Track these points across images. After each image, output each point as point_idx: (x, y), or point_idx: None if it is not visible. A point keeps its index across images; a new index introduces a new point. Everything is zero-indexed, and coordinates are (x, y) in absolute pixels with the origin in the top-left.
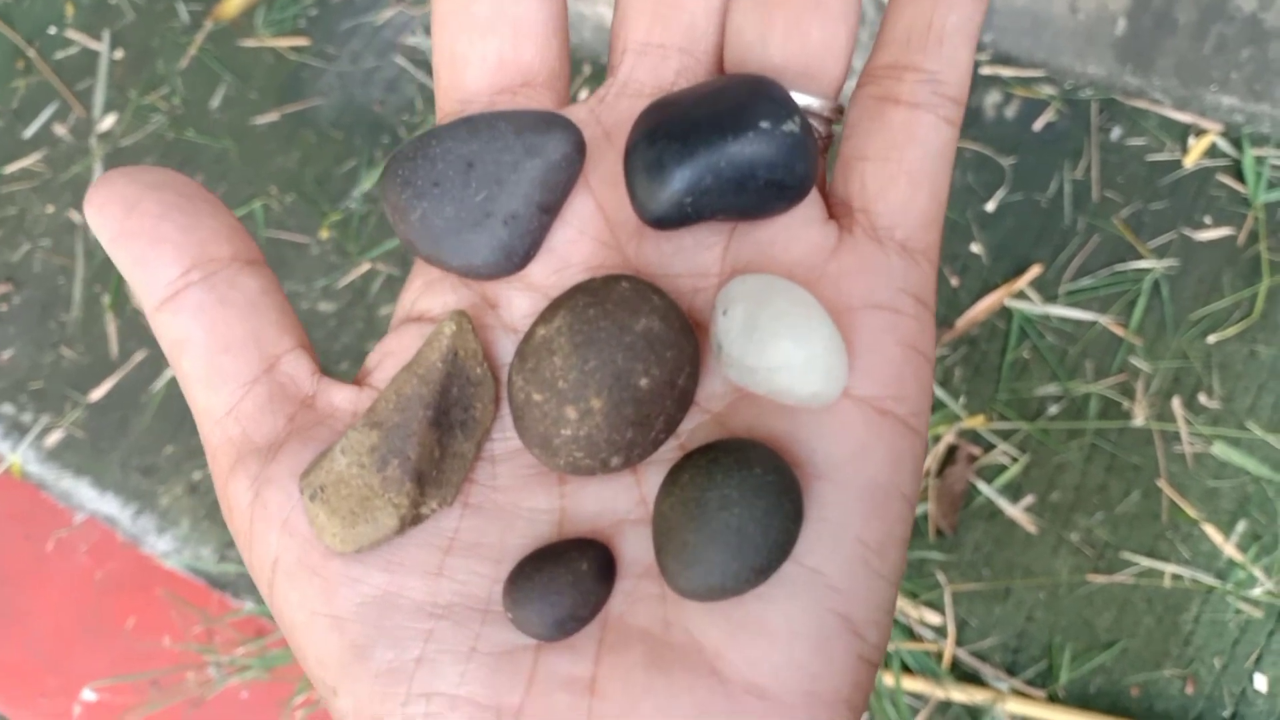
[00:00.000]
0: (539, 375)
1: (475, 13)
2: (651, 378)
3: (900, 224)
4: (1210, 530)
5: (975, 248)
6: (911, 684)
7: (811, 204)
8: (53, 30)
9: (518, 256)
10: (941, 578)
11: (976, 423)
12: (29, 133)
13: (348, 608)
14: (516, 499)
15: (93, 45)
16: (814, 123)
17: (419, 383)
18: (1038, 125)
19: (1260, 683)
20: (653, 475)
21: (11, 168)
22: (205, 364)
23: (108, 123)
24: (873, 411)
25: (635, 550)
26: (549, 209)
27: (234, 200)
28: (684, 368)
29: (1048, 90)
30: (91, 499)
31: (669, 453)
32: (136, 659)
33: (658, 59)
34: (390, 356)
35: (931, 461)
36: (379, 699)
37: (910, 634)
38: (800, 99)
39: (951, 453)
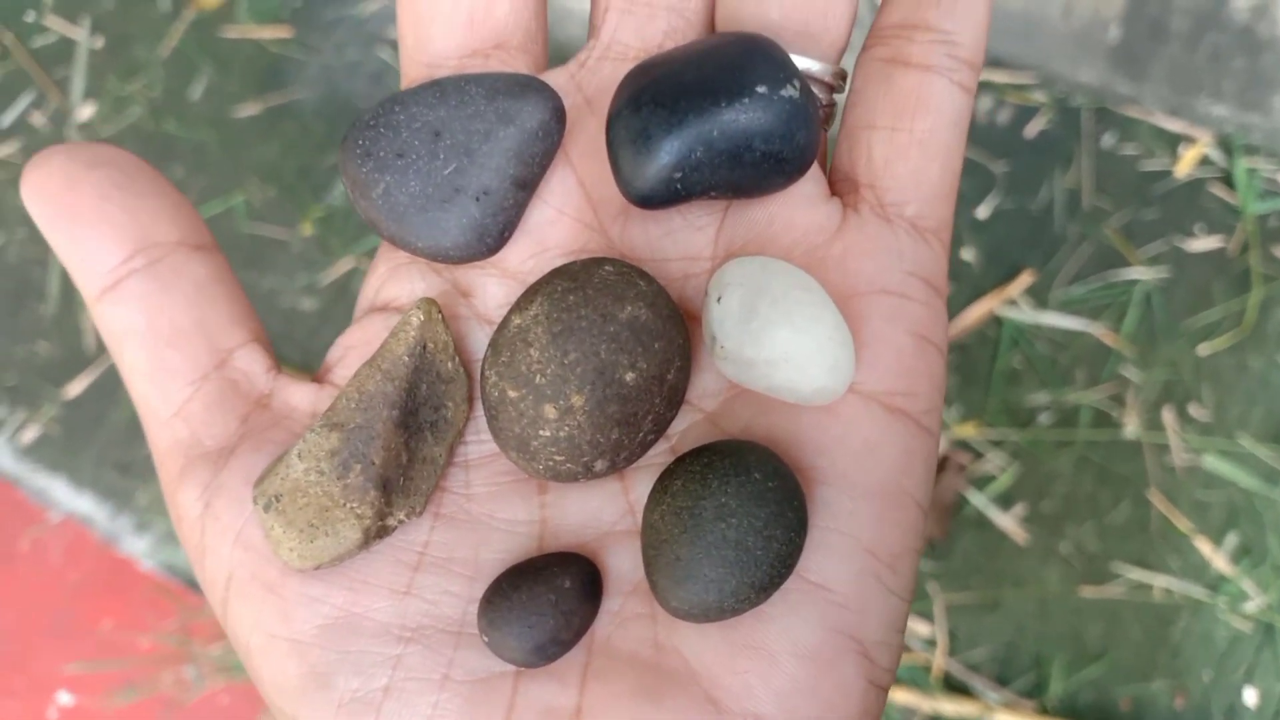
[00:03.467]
0: (514, 369)
1: None
2: (638, 371)
3: (911, 199)
4: (1201, 543)
5: (966, 254)
6: (900, 696)
7: (812, 180)
8: (30, 17)
9: (491, 238)
10: (931, 588)
11: (967, 431)
12: (5, 122)
13: (307, 630)
14: (493, 509)
15: (71, 33)
16: (814, 89)
17: (383, 379)
18: (1029, 132)
19: (1249, 697)
20: (641, 482)
21: None
22: (149, 358)
23: (86, 112)
24: (881, 409)
25: (623, 565)
26: (525, 184)
27: (214, 193)
28: (674, 361)
29: (1039, 96)
30: (67, 497)
31: (659, 456)
32: (110, 658)
33: (644, 18)
34: (353, 351)
35: None
36: None
37: None
38: (799, 62)
39: (942, 462)
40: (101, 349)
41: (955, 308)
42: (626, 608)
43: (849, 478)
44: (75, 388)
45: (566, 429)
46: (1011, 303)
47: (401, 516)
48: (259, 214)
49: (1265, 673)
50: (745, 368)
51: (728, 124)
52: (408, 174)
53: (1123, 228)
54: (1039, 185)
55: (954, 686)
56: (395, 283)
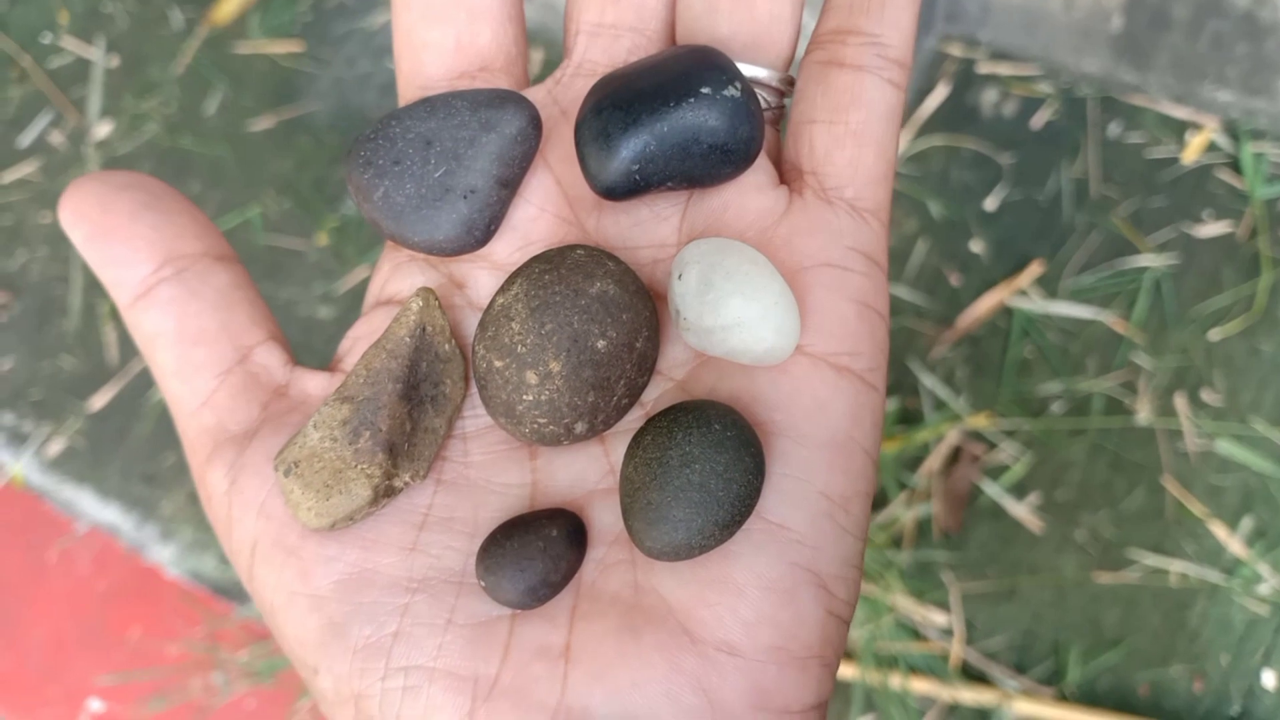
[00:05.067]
0: (498, 342)
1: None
2: (609, 339)
3: (849, 183)
4: (1216, 527)
5: (975, 246)
6: (919, 685)
7: (761, 170)
8: (47, 38)
9: (479, 231)
10: (948, 578)
11: (980, 422)
12: (24, 142)
13: (324, 586)
14: (488, 475)
15: (87, 53)
16: (763, 93)
17: (388, 357)
18: (1036, 123)
19: (1268, 679)
20: (620, 445)
21: (7, 177)
22: (178, 357)
23: (103, 130)
24: (829, 368)
25: (606, 519)
26: (507, 183)
27: (230, 206)
28: (641, 331)
29: (1045, 88)
30: (94, 508)
31: (635, 422)
32: (140, 667)
33: (610, 39)
34: (361, 341)
35: (936, 461)
36: (358, 675)
37: (916, 635)
38: (748, 70)
39: (956, 453)
40: (124, 362)
41: (965, 300)
42: (609, 556)
43: (802, 429)
44: (99, 400)
45: (547, 393)
46: (1022, 293)
47: (407, 479)
48: (275, 226)
49: None
50: (705, 335)
51: (676, 121)
52: (403, 178)
53: (1131, 216)
54: (1046, 176)
55: (972, 675)
56: (397, 279)
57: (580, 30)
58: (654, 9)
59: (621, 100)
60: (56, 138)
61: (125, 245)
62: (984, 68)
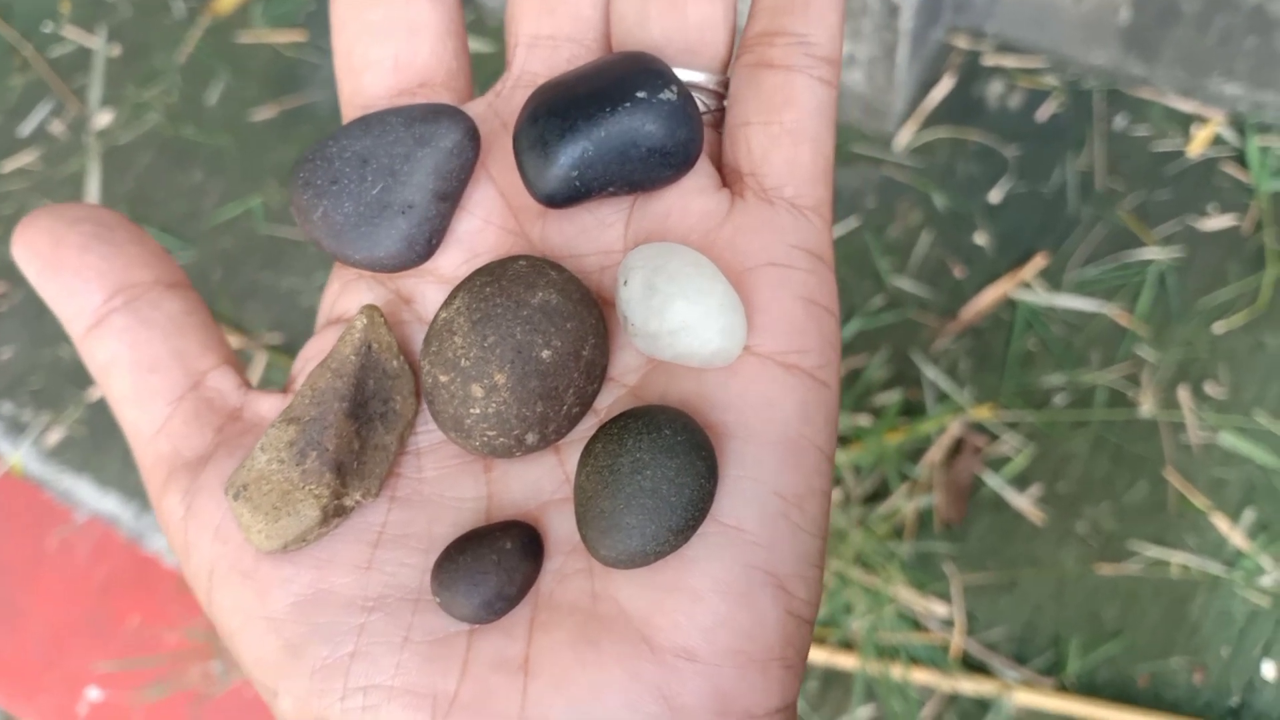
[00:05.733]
0: (443, 356)
1: (370, 18)
2: (554, 349)
3: (788, 182)
4: (1217, 520)
5: (979, 238)
6: (920, 676)
7: (702, 174)
8: (48, 27)
9: (420, 245)
10: (949, 569)
11: (982, 414)
12: (25, 130)
13: (281, 608)
14: (442, 490)
15: (88, 42)
16: (702, 97)
17: (332, 376)
18: (1041, 115)
19: (1268, 671)
20: (575, 454)
21: (8, 166)
22: (132, 384)
23: (104, 119)
24: (777, 366)
25: (562, 529)
26: (446, 196)
27: (232, 196)
28: (587, 339)
29: (1051, 80)
30: (93, 497)
31: (589, 430)
32: (139, 655)
33: (548, 50)
34: (312, 361)
35: (938, 453)
36: (317, 695)
37: (917, 626)
38: (685, 74)
39: (958, 445)
40: None
41: (969, 292)
42: (566, 565)
43: (752, 429)
44: (98, 390)
45: (494, 405)
46: (1026, 286)
47: (358, 497)
48: (276, 216)
49: None
50: (652, 340)
51: (613, 125)
52: (341, 197)
53: (1136, 209)
54: (1051, 168)
55: (972, 666)
56: (346, 297)
57: (519, 42)
58: (590, 19)
59: (558, 107)
60: (57, 127)
61: (76, 277)
62: (990, 60)
